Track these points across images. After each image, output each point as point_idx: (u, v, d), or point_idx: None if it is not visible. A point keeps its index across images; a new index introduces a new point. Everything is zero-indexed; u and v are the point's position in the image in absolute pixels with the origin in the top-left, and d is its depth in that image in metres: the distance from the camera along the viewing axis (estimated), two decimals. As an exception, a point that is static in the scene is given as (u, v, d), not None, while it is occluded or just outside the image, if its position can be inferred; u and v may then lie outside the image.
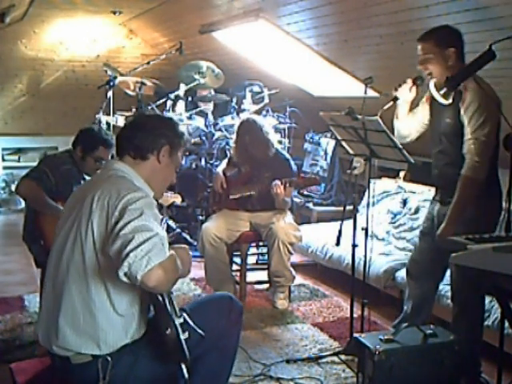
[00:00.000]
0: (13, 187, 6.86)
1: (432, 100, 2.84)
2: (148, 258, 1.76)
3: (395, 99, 2.85)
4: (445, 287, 3.25)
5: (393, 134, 2.85)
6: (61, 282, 1.97)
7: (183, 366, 1.98)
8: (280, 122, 5.39)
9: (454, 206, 2.64)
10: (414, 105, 2.95)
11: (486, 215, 2.67)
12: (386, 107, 2.82)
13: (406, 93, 2.84)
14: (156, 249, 1.79)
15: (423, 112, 2.92)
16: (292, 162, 4.02)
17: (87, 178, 3.23)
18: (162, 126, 2.15)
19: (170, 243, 1.97)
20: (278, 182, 3.76)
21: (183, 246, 2.12)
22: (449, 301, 3.05)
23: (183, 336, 1.93)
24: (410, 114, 2.94)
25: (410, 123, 2.94)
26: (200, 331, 2.02)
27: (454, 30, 2.71)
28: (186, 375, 1.98)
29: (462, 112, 2.61)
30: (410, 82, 2.83)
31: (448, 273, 2.91)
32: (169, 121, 2.22)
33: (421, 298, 3.01)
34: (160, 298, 1.94)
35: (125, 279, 1.78)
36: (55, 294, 1.99)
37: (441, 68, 2.66)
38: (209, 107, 5.68)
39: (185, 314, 2.01)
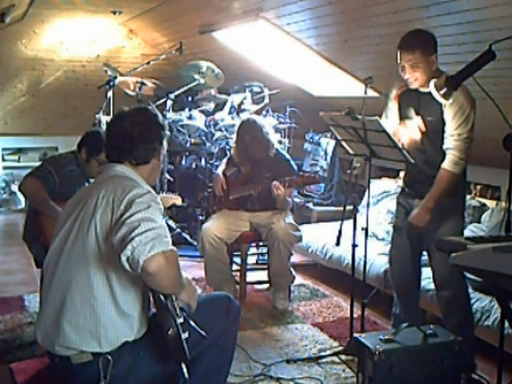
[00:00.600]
0: (13, 187, 6.88)
1: (402, 99, 2.90)
2: (152, 244, 1.78)
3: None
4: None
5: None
6: (61, 280, 1.97)
7: (183, 366, 1.99)
8: (280, 122, 5.38)
9: (432, 196, 2.75)
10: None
11: (456, 204, 2.85)
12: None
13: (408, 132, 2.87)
14: (160, 238, 1.81)
15: (394, 112, 2.97)
16: (292, 162, 4.02)
17: (91, 180, 3.22)
18: (152, 130, 2.14)
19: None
20: (277, 182, 3.75)
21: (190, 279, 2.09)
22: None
23: (184, 336, 1.93)
24: (385, 120, 2.96)
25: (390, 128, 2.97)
26: (202, 332, 2.03)
27: (431, 34, 2.76)
28: (186, 375, 1.98)
29: (445, 109, 2.68)
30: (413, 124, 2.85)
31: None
32: (153, 119, 2.17)
33: (409, 292, 3.09)
34: (162, 298, 1.94)
35: (126, 265, 1.78)
36: (55, 293, 1.99)
37: (427, 74, 2.74)
38: (209, 107, 5.69)
39: (185, 314, 2.02)
